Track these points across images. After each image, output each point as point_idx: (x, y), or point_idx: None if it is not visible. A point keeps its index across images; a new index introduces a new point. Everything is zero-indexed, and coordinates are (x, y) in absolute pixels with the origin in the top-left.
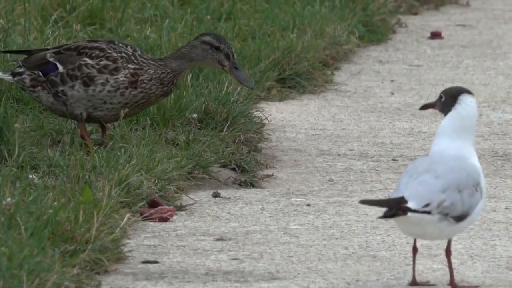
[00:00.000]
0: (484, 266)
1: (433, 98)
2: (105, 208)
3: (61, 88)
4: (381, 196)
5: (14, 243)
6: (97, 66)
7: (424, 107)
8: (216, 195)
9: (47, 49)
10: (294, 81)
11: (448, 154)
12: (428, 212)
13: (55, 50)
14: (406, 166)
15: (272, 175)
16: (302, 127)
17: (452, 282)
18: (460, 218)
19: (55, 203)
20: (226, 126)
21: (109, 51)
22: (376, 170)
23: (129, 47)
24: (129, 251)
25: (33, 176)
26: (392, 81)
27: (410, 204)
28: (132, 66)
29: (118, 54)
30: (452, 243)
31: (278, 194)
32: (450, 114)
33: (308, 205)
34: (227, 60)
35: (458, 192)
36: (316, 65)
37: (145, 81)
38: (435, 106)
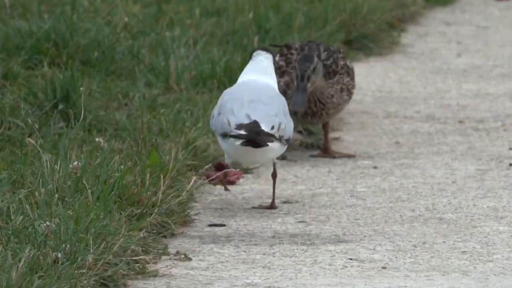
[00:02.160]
0: None
1: (500, 59)
2: (171, 171)
3: None
4: (448, 158)
5: (80, 206)
6: (277, 64)
7: None
8: (282, 157)
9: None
10: (360, 43)
11: (260, 83)
12: (274, 136)
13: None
14: (471, 129)
15: (338, 138)
16: (369, 89)
17: (272, 202)
18: (288, 140)
19: (122, 167)
20: None
21: (292, 51)
22: (443, 132)
23: (325, 53)
24: (196, 214)
25: (100, 139)
26: (459, 42)
27: (263, 127)
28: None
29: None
30: None
31: (345, 157)
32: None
33: (375, 167)
34: (296, 80)
35: (285, 116)
36: (383, 26)
37: (288, 97)
38: None
